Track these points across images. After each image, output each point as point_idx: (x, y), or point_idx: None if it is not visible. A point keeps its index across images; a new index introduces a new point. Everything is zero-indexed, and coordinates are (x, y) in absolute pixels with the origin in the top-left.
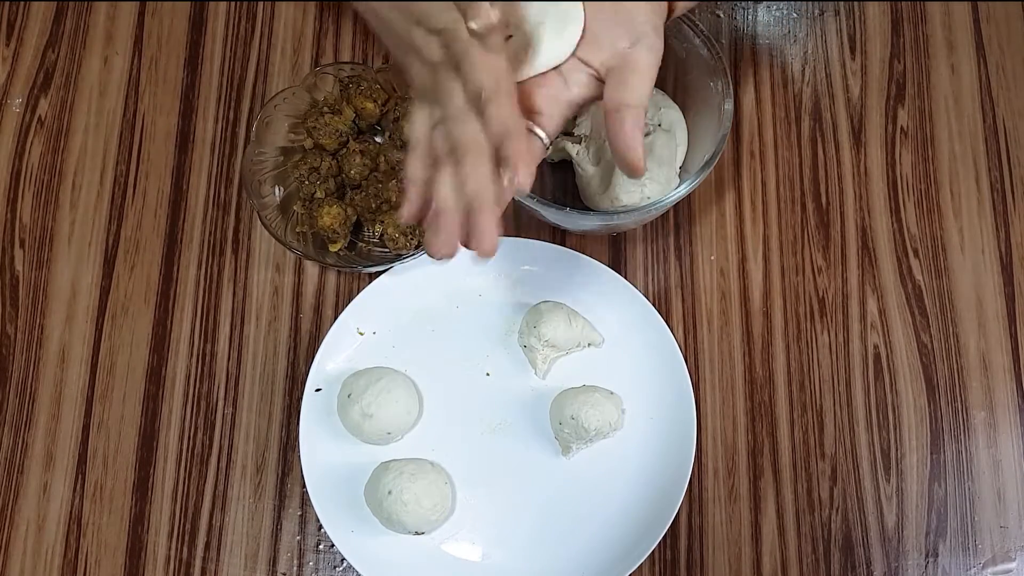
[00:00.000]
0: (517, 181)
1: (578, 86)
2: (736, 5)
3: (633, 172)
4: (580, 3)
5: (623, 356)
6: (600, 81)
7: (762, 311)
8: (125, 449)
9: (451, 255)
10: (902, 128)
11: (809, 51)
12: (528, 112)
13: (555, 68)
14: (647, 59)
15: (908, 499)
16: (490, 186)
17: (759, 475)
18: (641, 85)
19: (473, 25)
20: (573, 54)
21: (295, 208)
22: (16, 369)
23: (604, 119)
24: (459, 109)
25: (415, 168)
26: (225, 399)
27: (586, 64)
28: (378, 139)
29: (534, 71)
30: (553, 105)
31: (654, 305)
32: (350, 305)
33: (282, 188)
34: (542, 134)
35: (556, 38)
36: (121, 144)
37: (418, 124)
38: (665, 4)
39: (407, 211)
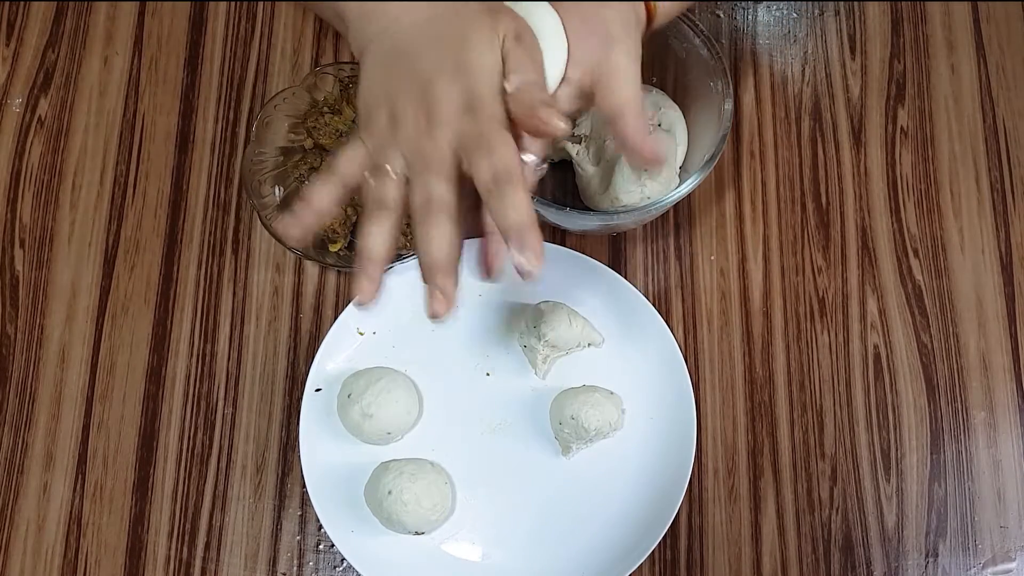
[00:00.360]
0: (532, 273)
1: (558, 103)
2: (736, 5)
3: (653, 164)
4: (560, 25)
5: (623, 356)
6: (583, 96)
7: (762, 311)
8: (125, 449)
9: (371, 304)
10: (902, 128)
11: (809, 51)
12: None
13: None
14: (625, 62)
15: (908, 499)
16: (457, 253)
17: (759, 475)
18: (627, 84)
19: (556, 120)
20: (564, 76)
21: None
22: (16, 369)
23: (610, 130)
24: (449, 175)
25: (321, 197)
26: (225, 399)
27: (566, 81)
28: None
29: None
30: None
31: (654, 305)
32: (350, 305)
33: (282, 188)
34: (530, 159)
35: (548, 65)
36: (121, 144)
37: (349, 160)
38: (640, 7)
39: (293, 231)
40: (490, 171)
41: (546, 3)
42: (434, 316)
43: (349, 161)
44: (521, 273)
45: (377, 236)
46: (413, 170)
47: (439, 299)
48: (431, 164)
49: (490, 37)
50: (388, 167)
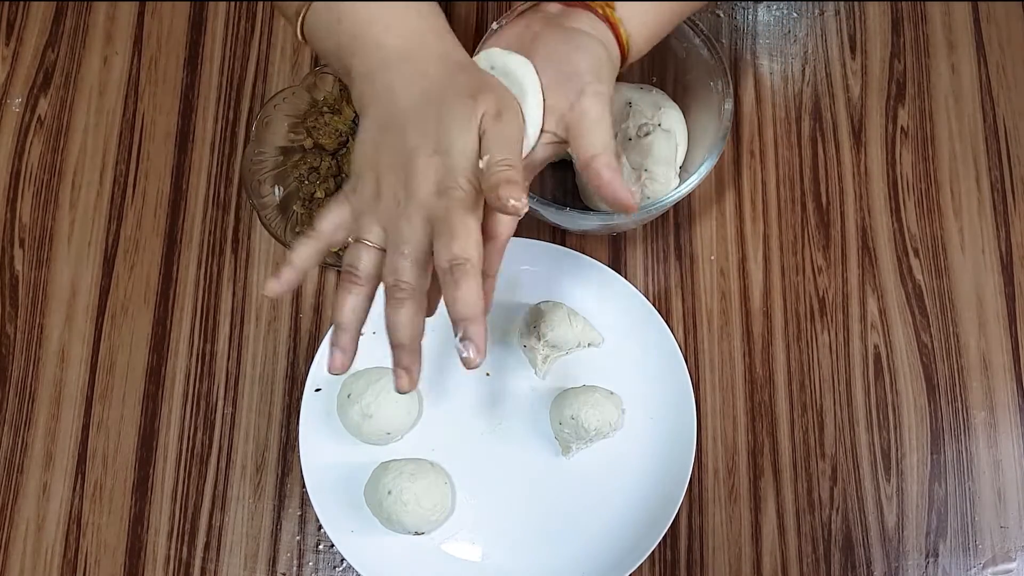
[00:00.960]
0: (473, 363)
1: (536, 155)
2: (736, 5)
3: (626, 211)
4: (537, 79)
5: (623, 356)
6: (557, 142)
7: (762, 311)
8: (125, 449)
9: (344, 371)
10: (902, 128)
11: (809, 51)
12: None
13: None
14: (596, 106)
15: (908, 499)
16: (420, 333)
17: (759, 475)
18: (599, 133)
19: (513, 202)
20: (542, 128)
21: (295, 208)
22: (16, 369)
23: (581, 176)
24: (419, 257)
25: (305, 258)
26: (225, 399)
27: (542, 130)
28: None
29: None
30: None
31: (654, 305)
32: None
33: (282, 188)
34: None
35: (528, 124)
36: (121, 144)
37: (331, 221)
38: (613, 47)
39: (275, 289)
40: (448, 259)
41: (524, 58)
42: (400, 391)
43: (333, 225)
44: (463, 362)
45: (347, 309)
46: (388, 245)
47: (403, 377)
48: (403, 245)
49: (469, 117)
50: (366, 237)
